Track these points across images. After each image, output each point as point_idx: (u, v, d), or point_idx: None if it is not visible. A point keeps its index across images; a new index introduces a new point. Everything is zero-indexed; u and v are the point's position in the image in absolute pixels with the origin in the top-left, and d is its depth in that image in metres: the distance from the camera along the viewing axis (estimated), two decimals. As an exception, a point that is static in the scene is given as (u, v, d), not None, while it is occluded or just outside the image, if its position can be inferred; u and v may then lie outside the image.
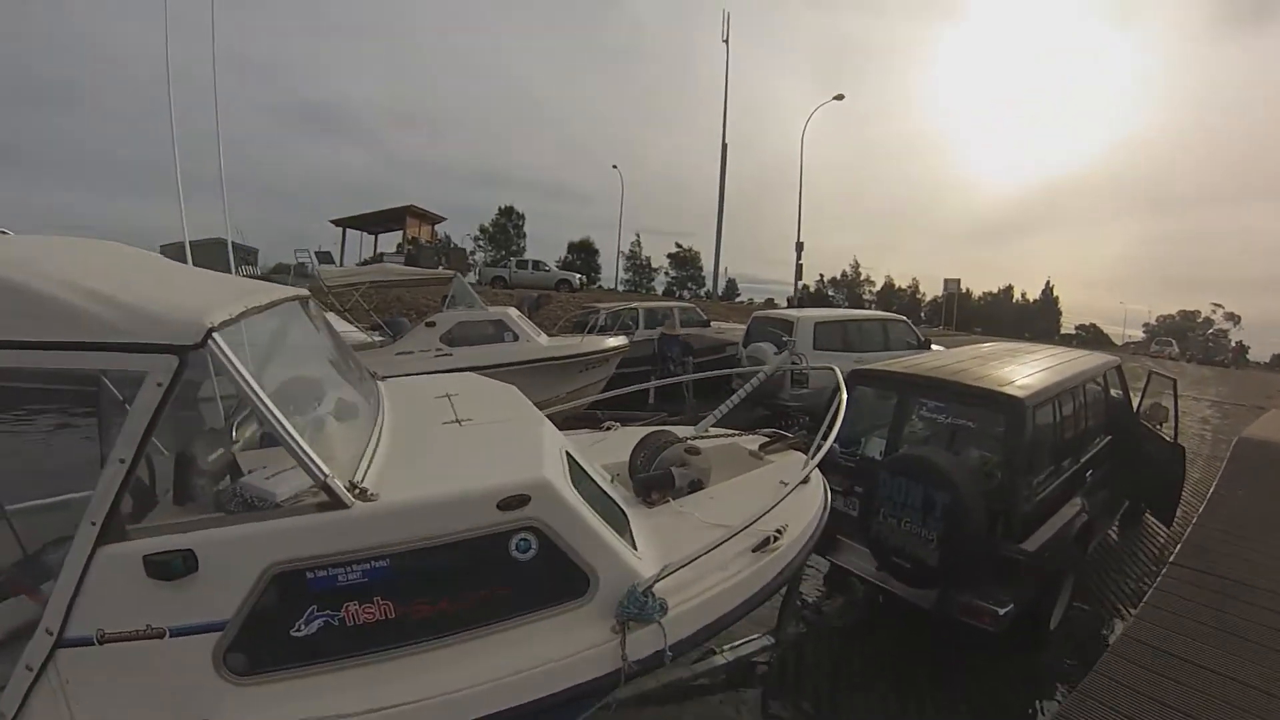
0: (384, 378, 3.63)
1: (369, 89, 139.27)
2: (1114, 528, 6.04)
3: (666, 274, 56.59)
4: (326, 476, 1.94)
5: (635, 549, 2.46)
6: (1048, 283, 69.69)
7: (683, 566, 2.35)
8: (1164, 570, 4.62)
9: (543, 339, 9.73)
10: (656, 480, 3.15)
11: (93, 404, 2.78)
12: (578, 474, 2.54)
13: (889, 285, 67.65)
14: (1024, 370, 4.82)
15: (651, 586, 2.25)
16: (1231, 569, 4.51)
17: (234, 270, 5.54)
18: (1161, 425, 5.84)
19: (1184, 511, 6.05)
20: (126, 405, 2.04)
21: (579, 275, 31.63)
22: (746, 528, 2.60)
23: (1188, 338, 56.05)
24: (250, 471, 2.23)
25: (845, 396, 3.61)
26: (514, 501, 2.10)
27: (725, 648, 3.40)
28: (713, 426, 4.28)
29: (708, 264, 43.27)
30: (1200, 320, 70.31)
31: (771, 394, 9.58)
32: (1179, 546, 5.02)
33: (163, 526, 1.94)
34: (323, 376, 2.98)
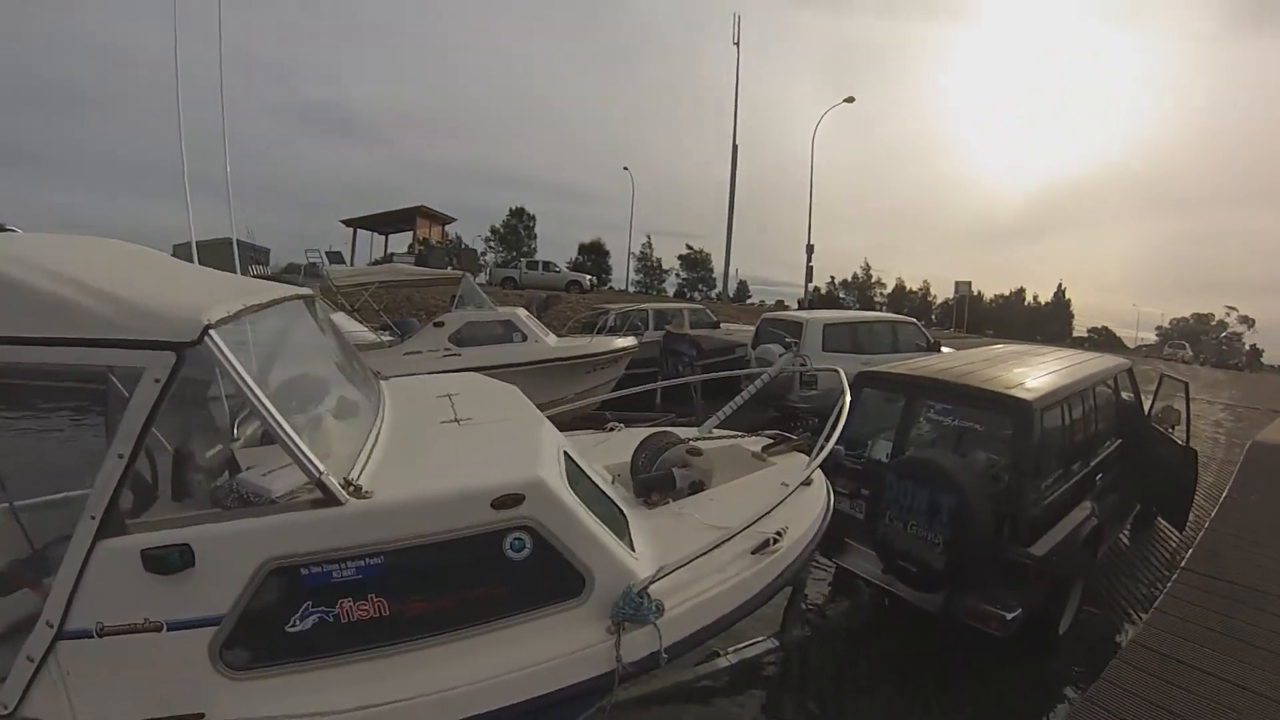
0: (387, 377, 3.66)
1: (381, 90, 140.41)
2: (1125, 532, 5.96)
3: (677, 276, 56.49)
4: (321, 474, 1.95)
5: (633, 550, 2.45)
6: (1060, 285, 69.06)
7: (679, 568, 2.34)
8: (1174, 576, 4.55)
9: (551, 339, 9.74)
10: (657, 481, 3.15)
11: (103, 401, 2.81)
12: (575, 474, 2.54)
13: (900, 287, 67.19)
14: (1032, 372, 4.76)
15: (647, 587, 2.24)
16: (1243, 575, 4.44)
17: (239, 269, 5.57)
18: (1174, 429, 5.76)
19: (1196, 516, 5.96)
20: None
21: (589, 276, 31.68)
22: (745, 529, 2.58)
23: (1201, 341, 55.32)
24: (249, 468, 2.24)
25: (848, 399, 3.59)
26: (508, 500, 2.10)
27: (729, 650, 3.38)
28: (716, 428, 4.27)
29: (719, 266, 43.25)
30: (1214, 323, 69.34)
31: (780, 395, 9.54)
32: (1190, 552, 4.94)
33: (160, 521, 1.97)
34: (325, 375, 2.99)
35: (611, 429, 4.22)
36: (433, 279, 11.01)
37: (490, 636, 2.13)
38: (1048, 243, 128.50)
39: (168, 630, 1.87)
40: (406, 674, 2.01)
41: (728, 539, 2.50)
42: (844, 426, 4.72)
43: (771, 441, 3.96)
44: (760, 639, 3.51)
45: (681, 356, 11.28)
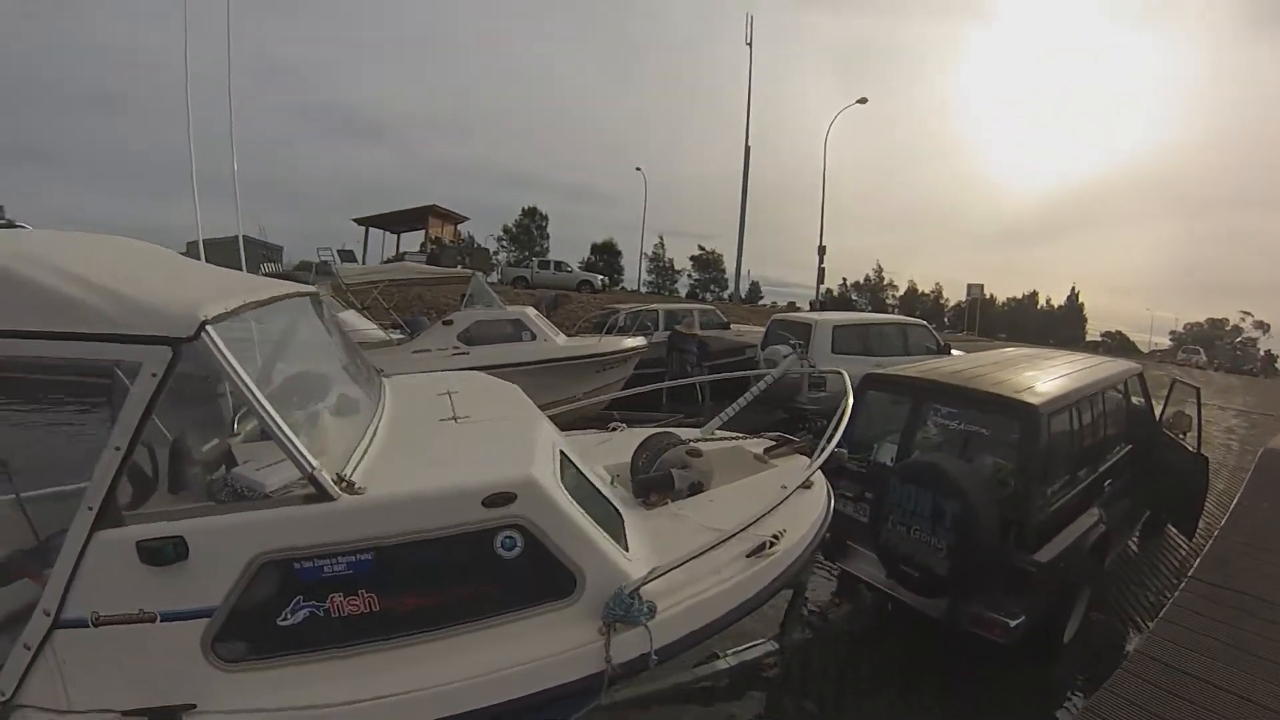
0: (390, 374, 3.68)
1: (395, 92, 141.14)
2: (1134, 539, 5.88)
3: (689, 276, 56.51)
4: (314, 469, 1.96)
5: (627, 550, 2.44)
6: (1073, 289, 68.57)
7: (671, 569, 2.33)
8: (1182, 585, 4.48)
9: (560, 339, 9.75)
10: (655, 482, 3.13)
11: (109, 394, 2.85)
12: (570, 474, 2.54)
13: (912, 289, 66.90)
14: (1040, 376, 4.70)
15: (638, 589, 2.23)
16: (1252, 584, 4.35)
17: (245, 266, 5.63)
18: (1185, 435, 5.67)
19: (1207, 523, 5.87)
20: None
21: (601, 276, 31.76)
22: (740, 532, 2.56)
23: (1215, 345, 54.52)
24: (245, 462, 2.27)
25: (851, 401, 3.56)
26: (499, 499, 2.10)
27: (729, 652, 3.36)
28: (719, 429, 4.25)
29: (730, 266, 43.09)
30: (1229, 328, 68.48)
31: (789, 397, 9.50)
32: (1199, 560, 4.86)
33: (156, 513, 2.00)
34: (325, 372, 3.02)
35: (614, 429, 4.21)
36: (442, 278, 11.06)
37: (480, 634, 2.13)
38: (1061, 245, 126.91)
39: (161, 621, 1.89)
40: (396, 670, 2.02)
41: (722, 541, 2.49)
42: (850, 429, 4.71)
43: (773, 443, 3.94)
44: (760, 641, 3.48)
45: (688, 356, 11.26)
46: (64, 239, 2.52)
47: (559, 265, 30.33)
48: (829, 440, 3.21)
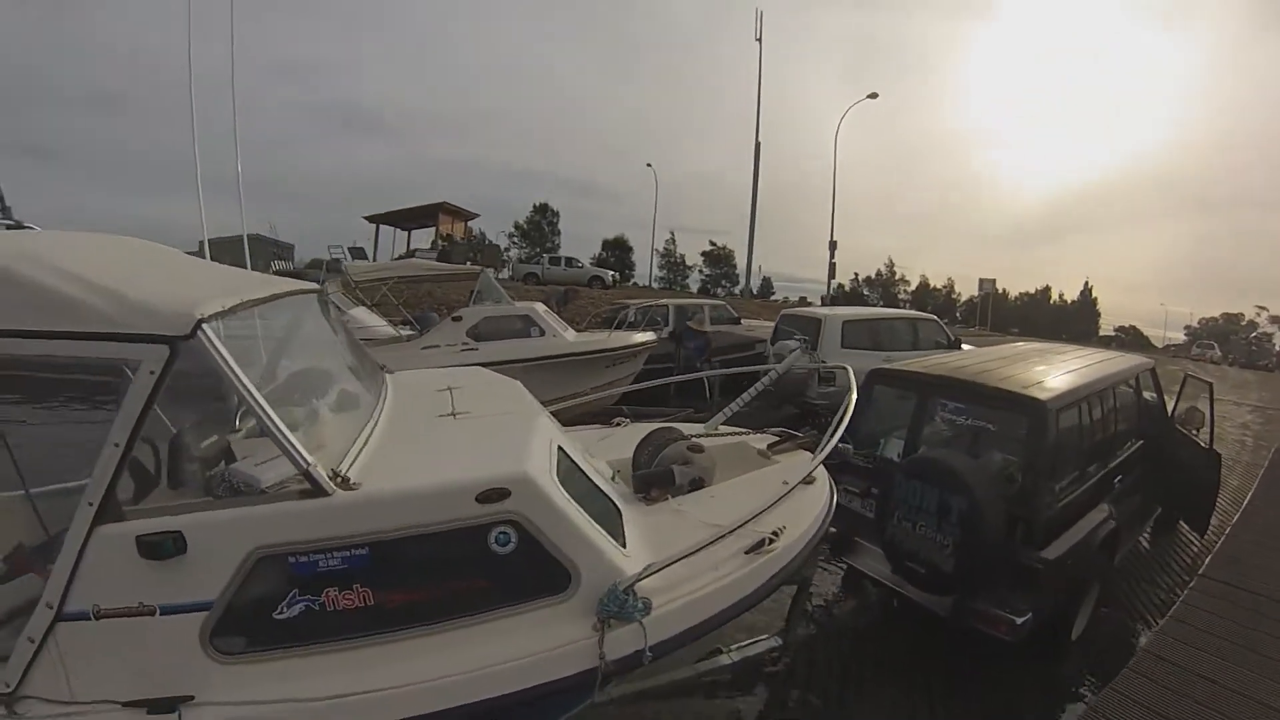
0: (398, 370, 3.70)
1: (406, 90, 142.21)
2: (1146, 535, 5.80)
3: (700, 272, 56.40)
4: (309, 465, 1.98)
5: (624, 546, 2.44)
6: (1086, 284, 67.78)
7: (666, 566, 2.32)
8: (1192, 583, 4.42)
9: (569, 334, 9.75)
10: (656, 477, 3.12)
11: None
12: (567, 469, 2.54)
13: (924, 285, 66.38)
14: (1049, 372, 4.65)
15: (633, 585, 2.22)
16: (1263, 583, 4.29)
17: (249, 264, 5.68)
18: (1198, 430, 5.59)
19: (1220, 520, 5.79)
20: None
21: (612, 272, 31.71)
22: (738, 528, 2.54)
23: (1230, 341, 53.83)
24: (244, 458, 2.29)
25: (855, 396, 3.53)
26: (493, 495, 2.10)
27: (732, 647, 3.34)
28: (723, 424, 4.23)
29: (742, 262, 42.95)
30: (1244, 323, 67.68)
31: (799, 392, 9.44)
32: (1209, 558, 4.80)
33: (155, 509, 2.02)
34: (326, 368, 3.05)
35: (617, 424, 4.20)
36: (450, 274, 11.09)
37: (474, 630, 2.13)
38: (1075, 242, 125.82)
39: (161, 614, 1.92)
40: (390, 664, 2.03)
41: (720, 538, 2.47)
42: (856, 424, 4.68)
43: (777, 439, 3.92)
44: (764, 637, 3.46)
45: (688, 350, 11.24)
46: (67, 239, 2.55)
47: (570, 261, 30.33)
48: (831, 436, 3.18)
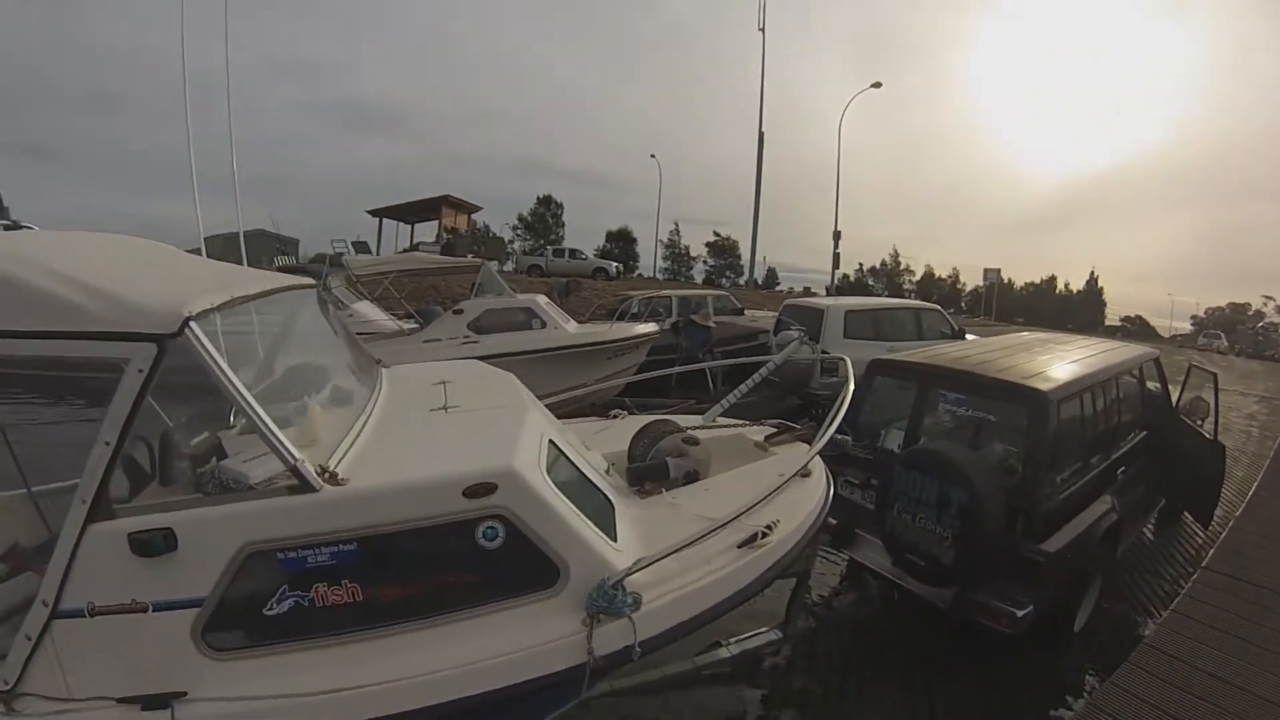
0: (401, 364, 3.71)
1: (408, 85, 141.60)
2: (1149, 527, 5.76)
3: (705, 263, 56.19)
4: (296, 461, 1.98)
5: (615, 540, 2.43)
6: (1092, 273, 67.42)
7: (656, 560, 2.31)
8: (1194, 575, 4.37)
9: (571, 326, 9.73)
10: (650, 470, 3.10)
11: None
12: (559, 463, 2.53)
13: (929, 275, 65.96)
14: (1051, 362, 4.61)
15: (622, 580, 2.22)
16: (1267, 575, 4.24)
17: (244, 260, 5.69)
18: (1202, 421, 5.53)
19: (1225, 512, 5.74)
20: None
21: (615, 264, 31.66)
22: (730, 521, 2.53)
23: (1237, 331, 53.25)
24: (235, 455, 2.29)
25: (852, 387, 3.51)
26: (480, 489, 2.10)
27: (730, 640, 3.34)
28: (721, 416, 4.21)
29: (746, 253, 42.77)
30: (1251, 313, 67.14)
31: (803, 382, 9.43)
32: (1212, 550, 4.75)
33: (145, 506, 2.04)
34: (321, 363, 3.06)
35: (615, 416, 4.18)
36: (450, 267, 11.07)
37: (462, 625, 2.13)
38: (1081, 232, 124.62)
39: (153, 611, 1.94)
40: (380, 659, 2.04)
41: (710, 531, 2.46)
42: (857, 415, 4.66)
43: (775, 431, 3.89)
44: (763, 630, 3.45)
45: (697, 343, 11.22)
46: (58, 239, 2.59)
47: (574, 253, 30.28)
48: (827, 427, 3.16)
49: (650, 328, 10.67)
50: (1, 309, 1.89)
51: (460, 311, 9.06)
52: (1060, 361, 4.66)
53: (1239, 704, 3.04)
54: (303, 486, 1.99)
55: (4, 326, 1.89)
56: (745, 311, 15.99)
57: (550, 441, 2.58)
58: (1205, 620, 3.75)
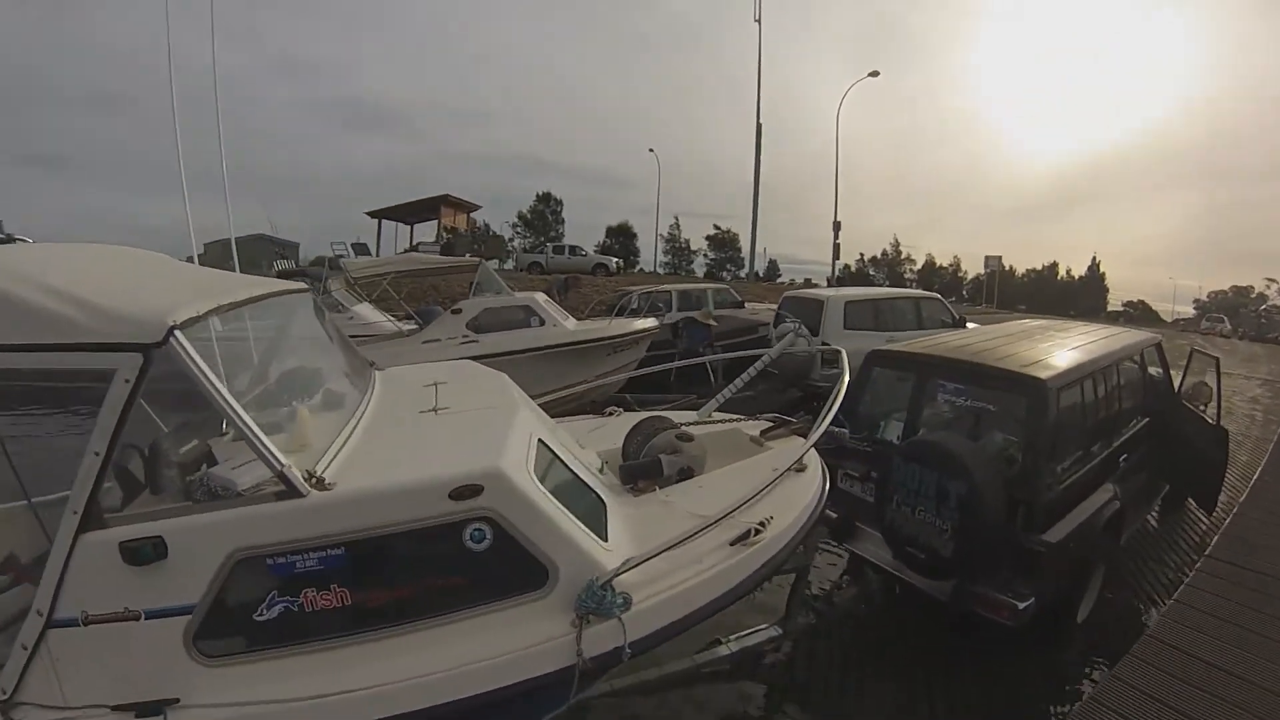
0: (400, 365, 3.71)
1: (409, 84, 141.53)
2: (1154, 514, 5.73)
3: (705, 256, 56.09)
4: (283, 466, 1.99)
5: (606, 540, 2.42)
6: (1094, 259, 67.06)
7: (646, 559, 2.30)
8: (1198, 564, 4.33)
9: (570, 323, 9.71)
10: (642, 468, 3.08)
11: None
12: (548, 463, 2.52)
13: (930, 264, 65.75)
14: (1051, 350, 4.57)
15: (611, 580, 2.21)
16: (1270, 563, 4.19)
17: (237, 266, 5.69)
18: (1205, 406, 5.49)
19: (1229, 498, 5.69)
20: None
21: (616, 259, 31.64)
22: (721, 519, 2.52)
23: (1240, 314, 52.81)
24: (224, 461, 2.30)
25: (847, 379, 3.49)
26: (466, 491, 2.10)
27: (731, 638, 3.34)
28: (717, 411, 4.19)
29: (747, 245, 42.66)
30: (1254, 295, 66.55)
31: (803, 375, 9.42)
32: (1216, 538, 4.70)
33: (136, 515, 2.05)
34: (312, 367, 3.07)
35: (610, 413, 4.17)
36: (447, 267, 11.05)
37: (452, 628, 2.13)
38: (1082, 217, 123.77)
39: (145, 619, 1.95)
40: (370, 664, 2.04)
41: (702, 529, 2.45)
42: (856, 407, 4.64)
43: (771, 425, 3.87)
44: (763, 627, 3.45)
45: (697, 338, 11.21)
46: (48, 252, 2.60)
47: (574, 250, 30.28)
48: (822, 421, 3.14)
49: (650, 323, 10.65)
50: None
51: (459, 311, 9.05)
52: (1060, 349, 4.63)
53: (1240, 694, 3.01)
54: (290, 492, 1.99)
55: None
56: (746, 304, 15.95)
57: (540, 441, 2.57)
58: (1208, 610, 3.71)
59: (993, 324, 7.06)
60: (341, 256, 14.12)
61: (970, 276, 61.90)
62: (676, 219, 55.90)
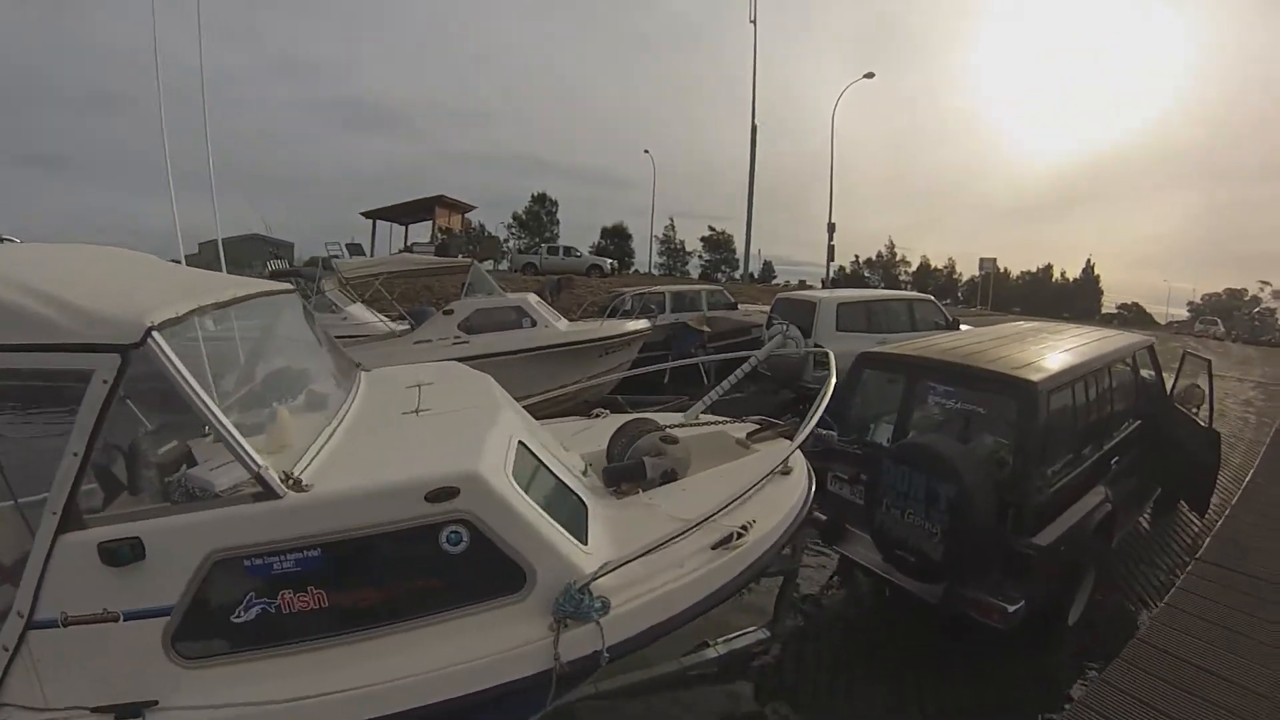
0: (392, 366, 3.70)
1: (407, 84, 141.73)
2: (1146, 516, 5.73)
3: (700, 257, 56.07)
4: (259, 468, 1.98)
5: (586, 543, 2.40)
6: (1088, 261, 67.24)
7: (625, 563, 2.28)
8: (1189, 567, 4.32)
9: (562, 324, 9.69)
10: (625, 471, 3.06)
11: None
12: (528, 465, 2.51)
13: (925, 265, 65.84)
14: (1042, 352, 4.56)
15: (589, 584, 2.19)
16: (1262, 565, 4.18)
17: (223, 266, 5.65)
18: (1198, 409, 5.50)
19: (1222, 499, 5.70)
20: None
21: (610, 260, 31.62)
22: (702, 522, 2.50)
23: (1234, 316, 53.24)
24: (204, 462, 2.28)
25: (834, 382, 3.47)
26: (442, 493, 2.09)
27: (718, 640, 3.31)
28: (704, 413, 4.16)
29: (742, 247, 42.66)
30: (1247, 298, 67.17)
31: (795, 376, 9.40)
32: (1208, 540, 4.70)
33: (114, 515, 2.05)
34: (296, 368, 3.07)
35: (597, 415, 4.14)
36: (439, 268, 11.02)
37: (428, 631, 2.12)
38: (1077, 220, 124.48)
39: (124, 620, 1.94)
40: (346, 666, 2.03)
41: (682, 533, 2.43)
42: (846, 409, 4.62)
43: (757, 427, 3.85)
44: (751, 629, 3.42)
45: (689, 340, 11.21)
46: (33, 252, 2.62)
47: (568, 250, 30.27)
48: (807, 423, 3.12)
49: (642, 324, 10.64)
50: None
51: (451, 312, 9.03)
52: (1051, 351, 4.62)
53: (1230, 699, 3.00)
54: (266, 493, 1.98)
55: None
56: (740, 306, 15.96)
57: (520, 443, 2.56)
58: (1198, 613, 3.70)
59: (986, 326, 7.07)
60: (336, 257, 14.05)
61: (965, 279, 62.13)
62: (671, 220, 55.91)
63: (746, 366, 4.44)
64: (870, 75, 32.03)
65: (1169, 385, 5.61)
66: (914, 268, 65.24)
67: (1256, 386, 14.11)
